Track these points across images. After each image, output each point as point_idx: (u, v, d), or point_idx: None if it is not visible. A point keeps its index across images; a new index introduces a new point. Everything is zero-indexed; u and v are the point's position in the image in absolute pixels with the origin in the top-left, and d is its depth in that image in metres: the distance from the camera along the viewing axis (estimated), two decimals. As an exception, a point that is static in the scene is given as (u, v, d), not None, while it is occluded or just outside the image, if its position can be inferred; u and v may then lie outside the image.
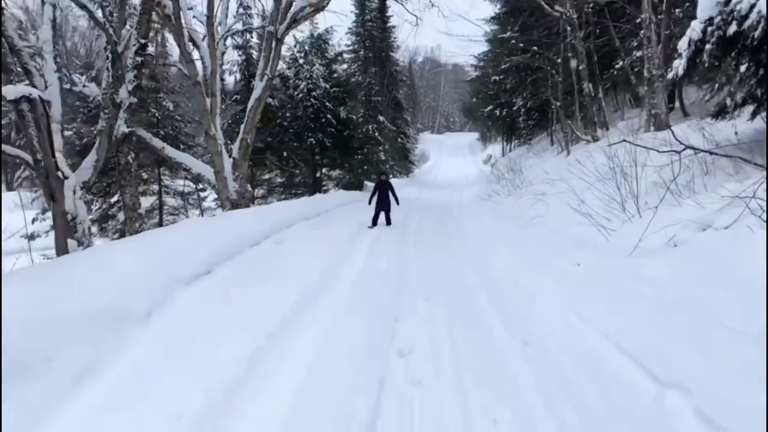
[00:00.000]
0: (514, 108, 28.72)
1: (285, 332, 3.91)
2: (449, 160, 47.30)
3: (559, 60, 16.46)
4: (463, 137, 67.41)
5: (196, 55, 13.73)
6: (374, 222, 10.99)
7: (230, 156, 14.22)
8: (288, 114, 18.40)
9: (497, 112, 32.02)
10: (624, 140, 6.30)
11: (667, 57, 11.28)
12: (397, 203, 11.30)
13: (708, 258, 3.92)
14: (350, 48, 29.87)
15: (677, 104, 14.23)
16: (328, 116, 18.05)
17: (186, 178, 16.88)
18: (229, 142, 15.67)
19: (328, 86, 18.49)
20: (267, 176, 21.10)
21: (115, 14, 9.92)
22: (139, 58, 9.60)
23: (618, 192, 6.85)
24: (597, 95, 16.04)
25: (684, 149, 5.61)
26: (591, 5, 15.80)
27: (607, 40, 16.58)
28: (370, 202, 11.40)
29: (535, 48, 17.43)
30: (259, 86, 14.40)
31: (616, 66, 15.52)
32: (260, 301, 4.50)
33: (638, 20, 12.85)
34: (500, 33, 24.56)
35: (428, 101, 77.62)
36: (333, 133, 18.61)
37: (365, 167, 19.63)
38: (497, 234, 8.50)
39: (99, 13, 9.69)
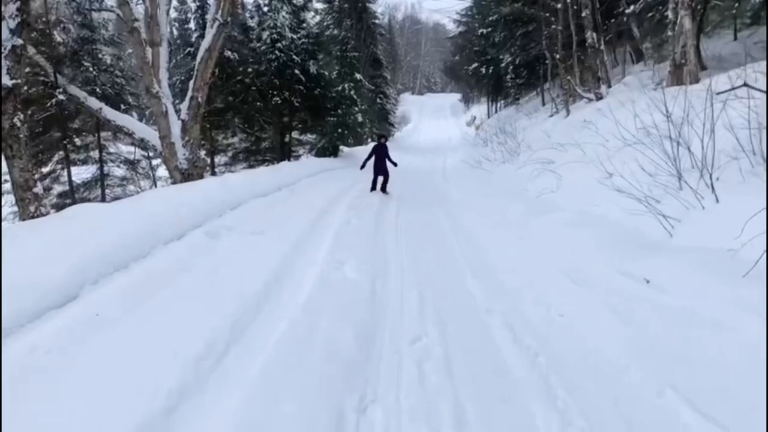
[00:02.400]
0: (502, 65, 26.69)
1: None
2: (431, 122, 45.21)
3: (558, 5, 14.36)
4: (444, 98, 65.66)
5: (134, -8, 11.43)
6: (374, 186, 10.70)
7: (179, 118, 12.10)
8: (250, 69, 16.08)
9: (483, 69, 29.99)
10: (746, 85, 4.29)
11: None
12: (395, 165, 10.77)
13: None
14: (323, -2, 27.24)
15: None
16: (296, 71, 15.77)
17: (133, 144, 14.64)
18: (178, 101, 13.46)
19: (295, 37, 16.16)
20: (230, 141, 18.87)
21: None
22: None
23: (672, 162, 4.99)
24: (600, 47, 14.08)
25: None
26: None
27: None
28: (363, 167, 10.90)
29: (531, -9, 15.23)
30: (209, 33, 12.14)
31: (626, 12, 13.48)
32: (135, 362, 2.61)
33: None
34: (489, -21, 22.23)
35: (409, 60, 74.59)
36: (302, 91, 16.37)
37: (340, 130, 17.50)
38: (498, 221, 6.56)
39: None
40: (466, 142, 28.80)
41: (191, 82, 12.57)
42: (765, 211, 3.08)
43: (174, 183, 11.96)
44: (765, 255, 2.94)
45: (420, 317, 3.65)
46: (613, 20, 16.88)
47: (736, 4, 13.17)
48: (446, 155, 22.09)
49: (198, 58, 12.38)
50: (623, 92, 12.63)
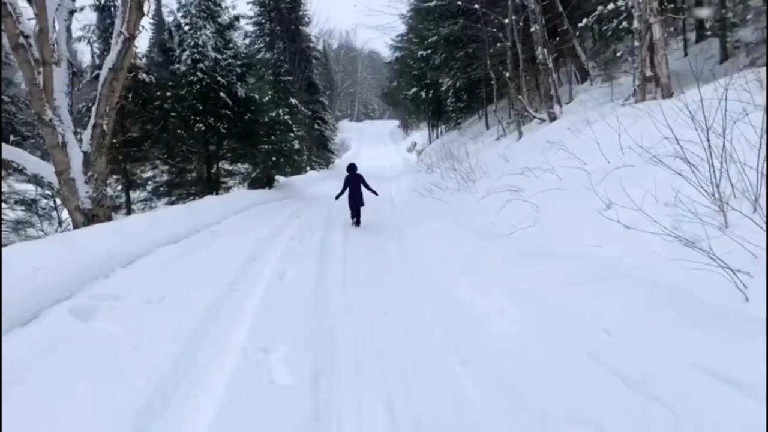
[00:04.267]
0: (442, 89, 25.99)
1: None
2: (371, 149, 44.20)
3: (506, 20, 13.49)
4: (383, 125, 65.48)
5: (22, 2, 9.59)
6: (355, 217, 10.06)
7: (81, 149, 10.23)
8: (169, 93, 14.24)
9: (423, 94, 29.28)
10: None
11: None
12: (375, 194, 10.40)
13: None
14: (253, 20, 25.55)
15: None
16: (222, 95, 14.06)
17: (29, 181, 12.42)
18: (81, 131, 11.51)
19: (221, 57, 14.50)
20: (149, 174, 16.77)
21: None
22: None
23: (706, 187, 3.76)
24: (550, 65, 13.30)
25: None
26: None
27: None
28: (337, 198, 10.39)
29: (476, 6, 14.31)
30: (114, 50, 10.37)
31: (579, 24, 12.75)
32: None
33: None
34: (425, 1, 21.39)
35: (346, 87, 74.04)
36: (230, 116, 14.65)
37: (275, 159, 15.85)
38: (476, 271, 5.09)
39: None
40: (408, 168, 27.82)
41: (93, 108, 10.74)
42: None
43: (75, 227, 10.03)
44: None
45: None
46: (557, 38, 16.32)
47: (684, 17, 12.73)
48: (390, 183, 20.82)
49: (101, 80, 10.56)
50: (578, 111, 11.78)
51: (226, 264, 5.75)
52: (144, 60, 15.27)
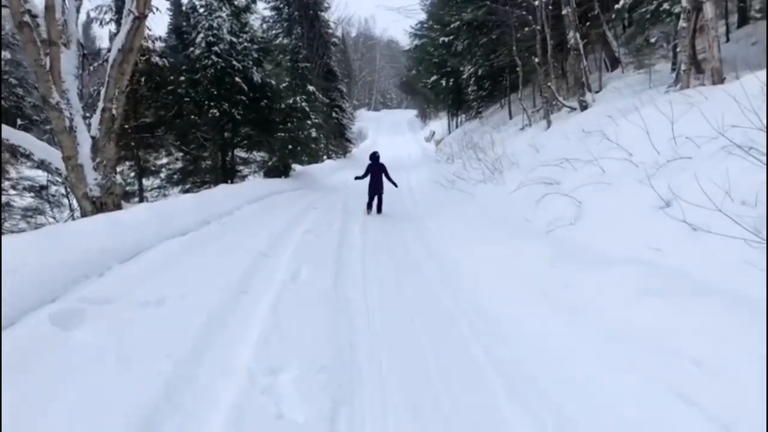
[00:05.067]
0: (463, 77, 25.20)
1: None
2: (389, 138, 43.50)
3: (535, 2, 12.73)
4: (400, 114, 64.65)
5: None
6: (369, 207, 10.44)
7: (90, 134, 9.84)
8: (183, 78, 13.75)
9: (443, 82, 28.50)
10: None
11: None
12: (395, 185, 10.86)
13: None
14: (271, 4, 24.89)
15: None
16: (237, 80, 13.54)
17: (38, 166, 12.06)
18: (91, 115, 11.10)
19: (237, 41, 13.95)
20: (164, 161, 16.36)
21: None
22: None
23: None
24: (580, 50, 12.52)
25: None
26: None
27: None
28: (357, 179, 11.10)
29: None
30: (123, 30, 9.89)
31: (616, 7, 11.95)
32: None
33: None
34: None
35: (364, 75, 73.25)
36: (245, 102, 14.12)
37: (291, 147, 15.32)
38: (515, 274, 4.49)
39: None
40: (427, 158, 27.12)
41: (102, 91, 10.31)
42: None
43: (84, 215, 9.66)
44: None
45: None
46: (587, 23, 15.50)
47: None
48: (409, 172, 20.22)
49: (110, 61, 10.12)
50: (612, 99, 11.05)
51: (235, 260, 5.23)
52: (159, 44, 14.76)
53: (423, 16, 33.96)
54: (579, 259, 4.14)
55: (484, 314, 3.83)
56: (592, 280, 3.59)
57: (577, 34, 12.11)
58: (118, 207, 10.61)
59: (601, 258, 4.07)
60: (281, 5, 25.23)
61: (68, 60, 9.50)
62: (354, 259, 5.92)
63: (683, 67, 8.06)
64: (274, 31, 25.03)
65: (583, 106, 11.87)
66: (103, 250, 4.50)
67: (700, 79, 8.04)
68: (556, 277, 3.93)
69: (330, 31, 27.66)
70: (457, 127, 32.25)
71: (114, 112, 10.41)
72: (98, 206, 9.96)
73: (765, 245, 2.84)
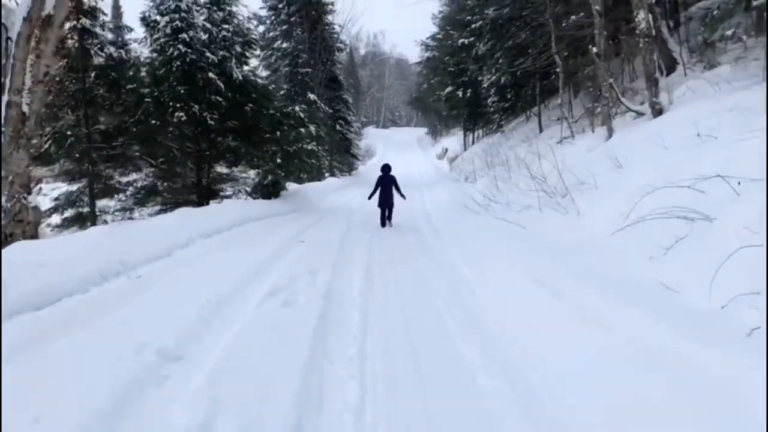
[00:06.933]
0: (483, 86, 22.41)
1: None
2: (398, 156, 40.86)
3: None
4: (410, 132, 63.12)
5: None
6: (383, 221, 10.10)
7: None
8: (144, 73, 10.99)
9: (459, 93, 25.79)
10: None
11: None
12: (404, 197, 10.64)
13: None
14: (268, 3, 22.23)
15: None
16: (211, 75, 10.71)
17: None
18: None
19: (214, 29, 11.21)
20: (133, 177, 13.53)
21: None
22: None
23: None
24: (653, 34, 9.64)
25: None
26: None
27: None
28: (370, 197, 10.58)
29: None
30: (33, -7, 7.19)
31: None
32: None
33: None
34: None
35: (372, 92, 71.11)
36: (223, 105, 11.29)
37: (281, 161, 12.47)
38: None
39: None
40: (441, 176, 24.50)
41: (5, 80, 7.59)
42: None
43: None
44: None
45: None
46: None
47: None
48: (422, 192, 17.41)
49: (14, 37, 7.41)
50: (690, 102, 8.16)
51: (88, 387, 2.30)
52: (120, 36, 12.11)
53: (435, 28, 32.06)
54: None
55: None
56: None
57: (650, 16, 9.25)
58: (33, 236, 7.81)
59: None
60: (280, 5, 22.60)
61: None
62: (342, 373, 2.92)
63: None
64: (271, 34, 22.39)
65: (657, 110, 8.94)
66: None
67: None
68: None
69: (335, 35, 24.97)
70: (473, 143, 29.42)
71: (25, 108, 7.63)
72: (3, 239, 7.25)
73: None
